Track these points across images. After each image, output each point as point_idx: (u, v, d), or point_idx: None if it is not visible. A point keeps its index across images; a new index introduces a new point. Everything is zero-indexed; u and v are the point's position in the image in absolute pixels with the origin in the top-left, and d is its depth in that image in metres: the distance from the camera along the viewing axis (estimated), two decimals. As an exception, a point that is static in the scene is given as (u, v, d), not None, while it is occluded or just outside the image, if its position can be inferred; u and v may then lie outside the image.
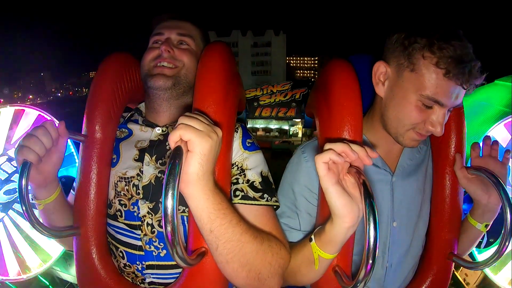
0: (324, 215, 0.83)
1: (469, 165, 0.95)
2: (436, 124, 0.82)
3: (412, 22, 0.86)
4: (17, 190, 0.77)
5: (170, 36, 0.98)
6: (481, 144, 0.96)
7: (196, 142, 0.62)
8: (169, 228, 0.56)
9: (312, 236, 0.75)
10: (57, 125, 0.83)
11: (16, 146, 0.80)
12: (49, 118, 1.63)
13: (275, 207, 0.85)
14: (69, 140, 0.91)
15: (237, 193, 0.81)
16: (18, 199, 0.77)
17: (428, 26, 0.82)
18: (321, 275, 0.79)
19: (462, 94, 0.82)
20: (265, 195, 0.82)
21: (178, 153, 0.60)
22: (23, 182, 0.75)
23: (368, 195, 0.63)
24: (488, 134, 0.95)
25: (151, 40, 1.00)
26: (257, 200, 0.81)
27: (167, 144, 0.91)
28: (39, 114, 1.65)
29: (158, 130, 0.94)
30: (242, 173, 0.84)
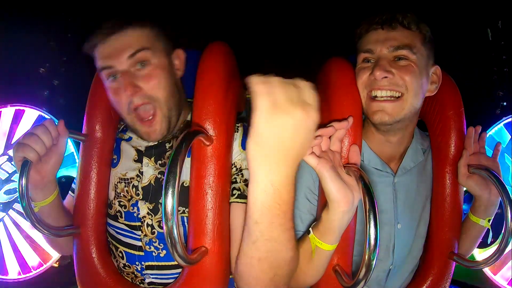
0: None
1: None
2: (375, 69, 0.83)
3: None
4: (17, 189, 0.77)
5: (123, 68, 0.80)
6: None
7: (296, 109, 0.50)
8: (169, 227, 0.56)
9: (310, 229, 0.75)
10: (56, 123, 0.83)
11: (15, 144, 0.79)
12: (49, 118, 1.63)
13: None
14: (69, 140, 0.90)
15: (234, 192, 0.81)
16: (18, 199, 0.77)
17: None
18: (323, 271, 0.78)
19: (391, 36, 0.85)
20: None
21: (178, 151, 0.60)
22: (23, 181, 0.75)
23: (368, 193, 0.63)
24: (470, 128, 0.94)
25: (102, 74, 0.83)
26: None
27: (166, 145, 0.91)
28: (39, 114, 1.65)
29: (153, 142, 0.92)
30: (239, 173, 0.83)
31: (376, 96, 0.84)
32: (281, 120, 0.50)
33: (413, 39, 0.85)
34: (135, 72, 0.81)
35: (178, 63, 0.91)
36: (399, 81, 0.82)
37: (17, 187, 0.76)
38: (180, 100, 0.90)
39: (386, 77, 0.82)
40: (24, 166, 0.75)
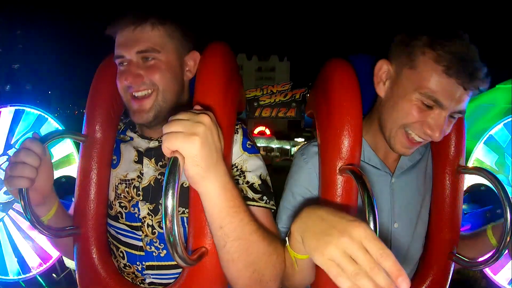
0: None
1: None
2: (434, 127, 0.79)
3: (416, 22, 0.84)
4: (20, 203, 0.77)
5: (131, 58, 0.85)
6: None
7: (181, 147, 0.59)
8: (169, 228, 0.56)
9: (286, 238, 0.71)
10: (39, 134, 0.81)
11: (4, 178, 0.78)
12: (49, 118, 1.63)
13: (272, 210, 0.85)
14: (69, 140, 0.90)
15: None
16: (20, 205, 0.76)
17: (431, 25, 0.81)
18: (313, 274, 0.78)
19: (465, 99, 0.79)
20: (264, 197, 0.82)
21: (177, 157, 0.60)
22: (25, 199, 0.75)
23: (368, 195, 0.63)
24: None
25: (116, 62, 0.89)
26: (257, 201, 0.81)
27: None
28: (39, 114, 1.65)
29: (154, 142, 0.92)
30: (242, 175, 0.84)
31: (414, 139, 0.83)
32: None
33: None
34: (141, 63, 0.85)
35: (191, 64, 0.92)
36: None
37: (19, 201, 0.76)
38: (180, 99, 0.91)
39: None
40: (21, 193, 0.75)
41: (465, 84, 0.76)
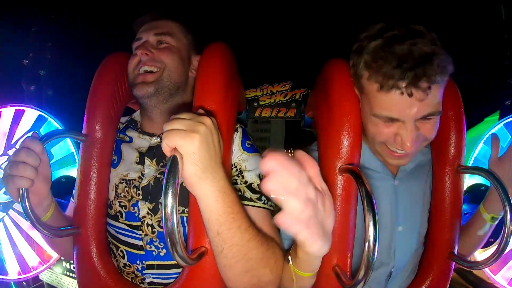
0: None
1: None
2: (403, 139, 0.77)
3: (356, 42, 0.80)
4: (21, 207, 0.76)
5: (148, 39, 0.94)
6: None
7: (181, 144, 0.59)
8: (169, 227, 0.56)
9: (289, 257, 0.71)
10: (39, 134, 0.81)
11: (2, 177, 0.77)
12: (49, 118, 1.63)
13: (271, 210, 0.85)
14: (69, 140, 0.90)
15: None
16: (20, 204, 0.76)
17: (366, 41, 0.77)
18: (311, 284, 0.78)
19: (422, 103, 0.72)
20: (263, 197, 0.82)
21: (176, 156, 0.60)
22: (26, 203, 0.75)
23: (367, 194, 0.63)
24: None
25: (133, 47, 0.97)
26: (254, 202, 0.81)
27: None
28: (39, 114, 1.65)
29: (155, 139, 0.94)
30: (240, 175, 0.83)
31: (396, 152, 0.82)
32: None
33: (439, 105, 0.76)
34: (155, 45, 0.94)
35: (196, 64, 0.98)
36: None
37: (20, 204, 0.75)
38: (175, 81, 0.93)
39: None
40: (22, 193, 0.75)
41: (409, 90, 0.70)
